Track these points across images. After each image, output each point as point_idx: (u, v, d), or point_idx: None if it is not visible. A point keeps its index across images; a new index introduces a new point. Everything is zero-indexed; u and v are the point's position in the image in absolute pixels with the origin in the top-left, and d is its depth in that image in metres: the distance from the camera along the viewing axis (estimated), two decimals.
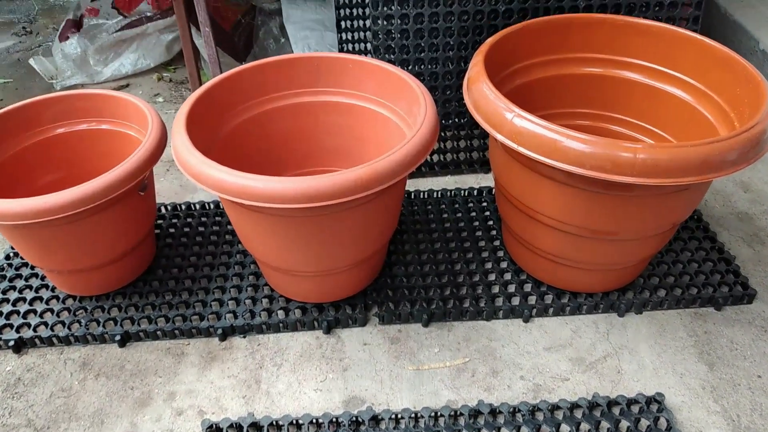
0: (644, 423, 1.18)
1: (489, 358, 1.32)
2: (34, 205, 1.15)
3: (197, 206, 1.72)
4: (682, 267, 1.50)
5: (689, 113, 1.39)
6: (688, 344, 1.35)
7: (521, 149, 1.08)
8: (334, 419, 1.19)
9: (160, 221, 1.66)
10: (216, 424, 1.18)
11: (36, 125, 1.47)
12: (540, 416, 1.20)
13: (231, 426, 1.18)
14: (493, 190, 1.71)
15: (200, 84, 2.03)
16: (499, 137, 1.12)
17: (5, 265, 1.54)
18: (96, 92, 1.49)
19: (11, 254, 1.57)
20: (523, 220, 1.31)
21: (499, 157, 1.29)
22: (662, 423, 1.18)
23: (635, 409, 1.21)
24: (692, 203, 1.23)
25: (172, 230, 1.64)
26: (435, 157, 1.88)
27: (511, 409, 1.20)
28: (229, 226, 1.63)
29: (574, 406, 1.21)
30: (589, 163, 1.03)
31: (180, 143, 1.15)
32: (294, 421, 1.18)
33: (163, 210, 1.71)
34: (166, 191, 1.85)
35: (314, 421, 1.19)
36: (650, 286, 1.45)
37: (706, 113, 1.35)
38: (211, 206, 1.71)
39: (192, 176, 1.10)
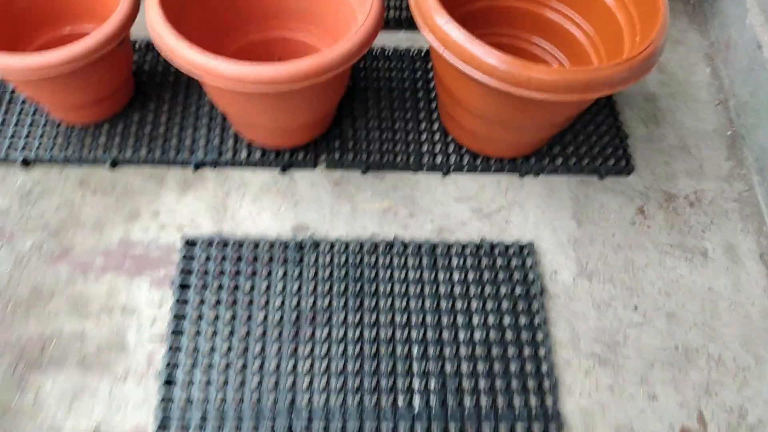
0: (515, 262, 1.66)
1: (409, 204, 1.75)
2: (36, 62, 1.44)
3: None
4: (582, 139, 1.88)
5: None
6: (568, 205, 1.79)
7: (446, 54, 1.39)
8: (283, 242, 1.63)
9: (136, 58, 1.93)
10: (192, 239, 1.61)
11: None
12: (438, 250, 1.66)
13: (204, 241, 1.61)
14: None
15: None
16: (429, 38, 1.42)
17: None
18: None
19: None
20: (451, 101, 1.65)
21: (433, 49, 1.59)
22: (528, 262, 1.66)
23: (511, 251, 1.68)
24: (584, 106, 1.58)
25: (147, 68, 1.92)
26: (391, 13, 2.12)
27: (417, 245, 1.66)
28: None
29: (465, 245, 1.67)
30: (497, 76, 1.35)
31: (154, 18, 1.41)
32: (254, 241, 1.62)
33: (137, 47, 1.96)
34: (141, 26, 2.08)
35: (269, 242, 1.63)
36: (551, 155, 1.85)
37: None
38: None
39: (166, 56, 1.39)
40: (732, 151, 1.93)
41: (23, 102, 1.82)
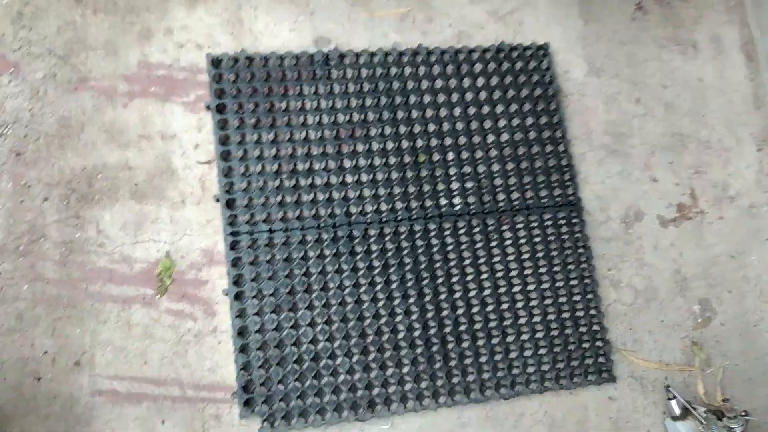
0: (533, 63, 1.82)
1: (425, 8, 1.82)
2: None
3: None
4: None
5: None
6: (575, 3, 1.92)
7: None
8: (309, 56, 1.68)
9: None
10: (217, 57, 1.63)
11: None
12: (460, 57, 1.78)
13: (229, 59, 1.63)
14: None
15: None
16: None
17: None
18: None
19: None
20: None
21: None
22: (544, 63, 1.83)
23: (528, 53, 1.83)
24: None
25: None
26: None
27: (441, 52, 1.76)
28: None
29: (486, 50, 1.80)
30: None
31: None
32: (279, 56, 1.66)
33: None
34: None
35: (294, 56, 1.67)
36: None
37: None
38: None
39: None
40: None
41: None
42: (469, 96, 1.76)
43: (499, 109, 1.76)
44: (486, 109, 1.75)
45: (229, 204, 1.57)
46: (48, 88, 1.56)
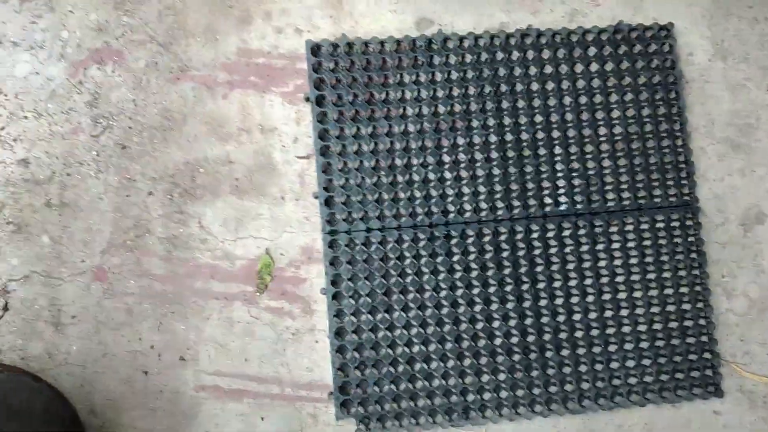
0: (653, 46, 1.67)
1: None
2: None
3: None
4: None
5: None
6: None
7: None
8: (411, 41, 1.60)
9: None
10: (317, 44, 1.57)
11: None
12: (574, 38, 1.65)
13: (329, 46, 1.57)
14: None
15: None
16: None
17: None
18: None
19: None
20: None
21: None
22: (666, 46, 1.68)
23: (648, 34, 1.68)
24: None
25: None
26: None
27: (552, 34, 1.64)
28: None
29: (601, 31, 1.66)
30: None
31: None
32: (379, 41, 1.59)
33: None
34: None
35: (395, 41, 1.59)
36: None
37: None
38: None
39: None
40: None
41: None
42: (580, 83, 1.64)
43: (614, 98, 1.64)
44: (599, 99, 1.64)
45: (328, 202, 1.55)
46: (150, 78, 1.55)
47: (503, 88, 1.61)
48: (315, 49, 1.58)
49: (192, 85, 1.56)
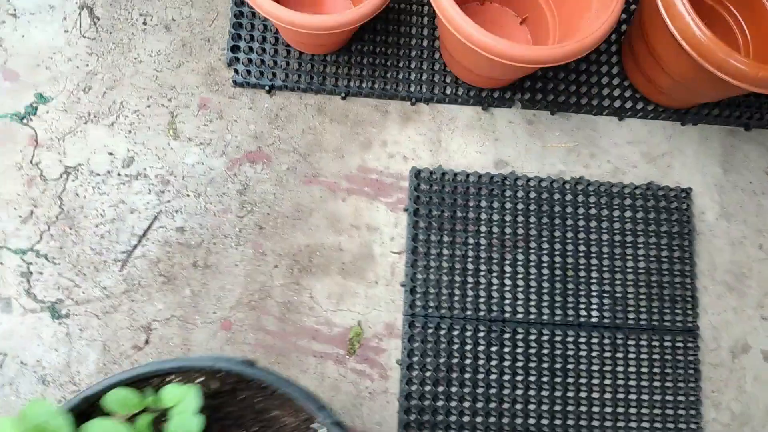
0: (675, 203, 2.16)
1: (590, 145, 2.18)
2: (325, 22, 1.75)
3: None
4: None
5: None
6: (717, 153, 2.24)
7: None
8: (489, 176, 2.09)
9: None
10: (419, 169, 2.06)
11: None
12: (614, 190, 2.14)
13: (427, 172, 2.06)
14: None
15: None
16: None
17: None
18: None
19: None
20: (651, 60, 2.01)
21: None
22: (684, 205, 2.16)
23: (672, 194, 2.17)
24: None
25: None
26: None
27: (598, 184, 2.13)
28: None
29: (636, 187, 2.15)
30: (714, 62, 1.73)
31: None
32: (465, 173, 2.08)
33: None
34: None
35: (478, 174, 2.08)
36: (708, 105, 2.25)
37: None
38: None
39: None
40: None
41: (264, 30, 2.11)
42: (616, 225, 2.12)
43: (641, 240, 2.12)
44: (629, 238, 2.11)
45: (411, 290, 2.00)
46: (289, 178, 2.04)
47: (557, 221, 2.09)
48: (416, 173, 2.06)
49: (320, 188, 2.04)
